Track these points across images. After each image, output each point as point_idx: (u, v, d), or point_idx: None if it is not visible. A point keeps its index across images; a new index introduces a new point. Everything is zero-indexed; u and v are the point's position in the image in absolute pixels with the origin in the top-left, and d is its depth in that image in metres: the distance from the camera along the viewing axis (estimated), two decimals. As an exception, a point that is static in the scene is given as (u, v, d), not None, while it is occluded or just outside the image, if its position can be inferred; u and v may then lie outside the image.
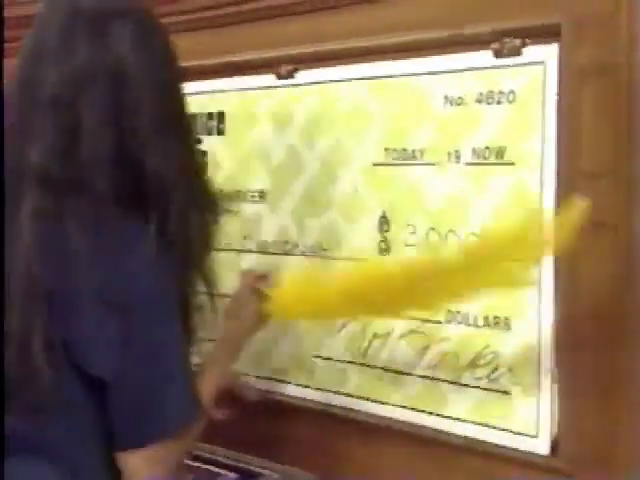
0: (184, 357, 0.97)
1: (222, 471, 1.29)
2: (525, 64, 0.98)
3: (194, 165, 1.02)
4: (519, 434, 0.99)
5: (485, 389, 1.02)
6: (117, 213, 0.91)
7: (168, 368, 0.94)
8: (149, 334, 0.91)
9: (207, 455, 1.28)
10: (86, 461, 0.95)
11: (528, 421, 0.99)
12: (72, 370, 0.90)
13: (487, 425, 1.02)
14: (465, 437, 1.04)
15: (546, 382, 0.97)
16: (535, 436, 0.98)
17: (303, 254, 1.20)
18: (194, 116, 1.32)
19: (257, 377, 1.26)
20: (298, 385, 1.21)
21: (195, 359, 1.03)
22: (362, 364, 1.14)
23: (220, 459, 1.29)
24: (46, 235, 0.90)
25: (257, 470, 1.25)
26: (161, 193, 0.93)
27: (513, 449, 1.00)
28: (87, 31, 0.93)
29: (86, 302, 0.89)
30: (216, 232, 1.02)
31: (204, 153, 1.32)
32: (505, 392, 1.01)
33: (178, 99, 1.00)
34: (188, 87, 1.29)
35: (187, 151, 1.00)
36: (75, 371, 0.91)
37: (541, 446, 0.97)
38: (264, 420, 1.24)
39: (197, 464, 1.26)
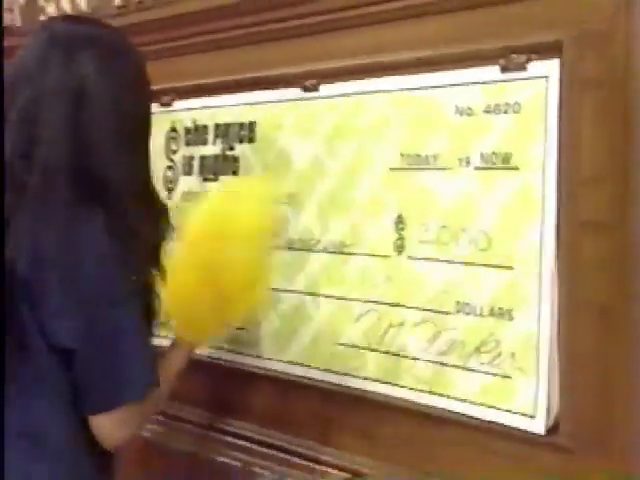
0: (143, 332, 1.02)
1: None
2: (529, 78, 0.98)
3: (144, 175, 1.07)
4: (519, 414, 0.99)
5: (489, 373, 1.02)
6: (71, 212, 0.96)
7: (129, 341, 0.99)
8: (110, 310, 0.96)
9: (257, 437, 1.30)
10: (54, 429, 0.99)
11: (527, 403, 0.98)
12: (42, 342, 0.95)
13: (490, 406, 1.02)
14: (471, 416, 1.04)
15: (544, 367, 0.97)
16: (533, 416, 0.98)
17: (326, 250, 1.21)
18: (228, 125, 1.35)
19: (280, 361, 1.26)
20: (321, 369, 1.21)
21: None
22: (379, 350, 1.14)
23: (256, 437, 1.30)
24: (15, 228, 0.96)
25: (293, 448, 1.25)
26: (111, 198, 0.98)
27: (513, 428, 1.00)
28: (59, 56, 1.00)
29: (53, 286, 0.94)
30: (164, 230, 1.10)
31: (235, 158, 1.34)
32: (507, 376, 1.00)
33: (137, 117, 1.05)
34: (223, 100, 1.34)
35: (138, 163, 1.05)
36: (45, 343, 0.96)
37: (538, 425, 0.97)
38: (291, 400, 1.25)
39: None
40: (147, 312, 1.06)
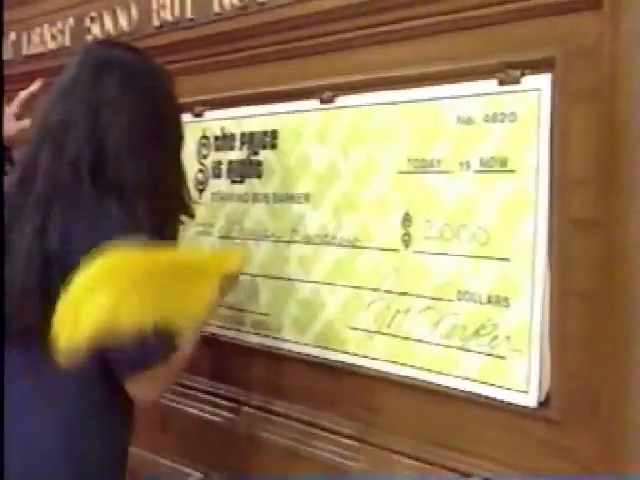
0: None
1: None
2: (524, 91, 0.98)
3: (158, 177, 1.09)
4: (513, 390, 0.99)
5: (487, 354, 1.02)
6: (92, 203, 1.03)
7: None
8: None
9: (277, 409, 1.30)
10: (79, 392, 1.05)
11: (520, 380, 0.98)
12: None
13: (488, 383, 1.02)
14: (470, 392, 1.03)
15: (536, 349, 0.96)
16: (526, 392, 0.98)
17: (340, 245, 1.20)
18: (252, 133, 1.35)
19: (298, 342, 1.26)
20: (335, 350, 1.21)
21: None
22: (387, 334, 1.13)
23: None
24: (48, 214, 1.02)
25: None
26: (124, 194, 1.04)
27: (509, 402, 0.99)
28: (89, 75, 1.08)
29: (78, 258, 0.95)
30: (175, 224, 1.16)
31: (260, 163, 1.34)
32: (503, 357, 1.00)
33: (152, 128, 1.10)
34: (249, 110, 1.34)
35: (152, 165, 1.08)
36: None
37: (530, 400, 0.97)
38: (308, 377, 1.25)
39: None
40: None
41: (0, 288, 1.02)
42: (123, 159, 1.06)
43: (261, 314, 1.32)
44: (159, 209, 1.08)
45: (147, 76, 1.12)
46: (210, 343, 1.38)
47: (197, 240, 1.42)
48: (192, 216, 1.21)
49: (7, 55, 1.85)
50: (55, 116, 1.07)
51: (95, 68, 1.09)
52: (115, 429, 1.10)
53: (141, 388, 1.05)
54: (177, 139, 1.17)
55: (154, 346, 1.00)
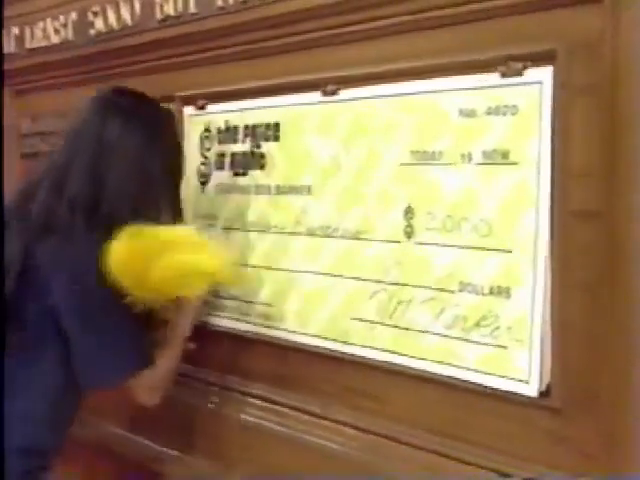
0: (132, 326, 1.18)
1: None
2: (526, 83, 0.98)
3: (154, 211, 1.18)
4: (514, 380, 1.00)
5: (488, 344, 1.02)
6: (82, 236, 1.13)
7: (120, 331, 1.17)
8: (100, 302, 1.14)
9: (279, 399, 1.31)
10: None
11: (522, 370, 0.99)
12: (54, 328, 1.14)
13: (490, 373, 1.02)
14: (472, 382, 1.04)
15: (537, 339, 0.97)
16: (527, 381, 0.98)
17: (342, 237, 1.21)
18: (255, 126, 1.35)
19: (303, 334, 1.27)
20: (338, 341, 1.21)
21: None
22: (389, 325, 1.14)
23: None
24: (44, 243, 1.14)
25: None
26: (114, 231, 1.12)
27: (510, 392, 1.00)
28: (96, 119, 1.20)
29: (64, 282, 1.12)
30: None
31: (262, 155, 1.34)
32: (504, 347, 1.01)
33: (150, 172, 1.19)
34: (252, 103, 1.35)
35: (144, 207, 1.17)
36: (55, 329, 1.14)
37: (531, 389, 0.98)
38: (312, 367, 1.26)
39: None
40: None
41: (0, 289, 1.11)
42: (117, 199, 1.15)
43: (265, 305, 1.33)
44: None
45: (148, 120, 1.22)
46: (214, 334, 1.39)
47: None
48: None
49: (10, 49, 1.85)
50: (61, 158, 1.18)
51: (102, 112, 1.20)
52: (75, 399, 1.24)
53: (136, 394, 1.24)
54: (174, 180, 1.27)
55: (121, 361, 1.18)
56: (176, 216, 1.26)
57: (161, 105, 1.31)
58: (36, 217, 1.14)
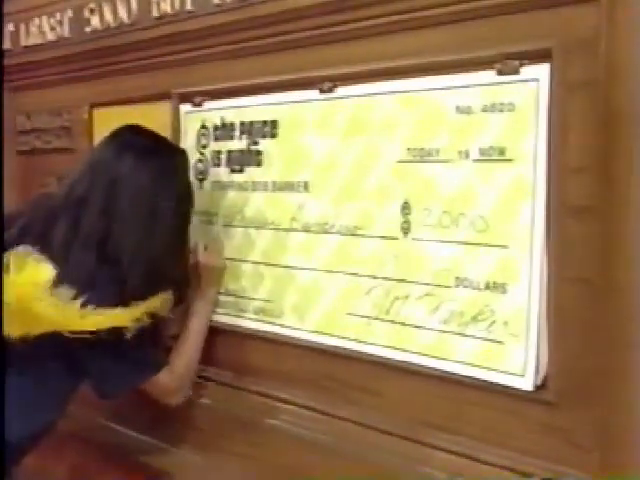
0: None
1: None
2: (522, 81, 0.98)
3: (155, 252, 1.20)
4: (510, 374, 1.00)
5: (484, 339, 1.03)
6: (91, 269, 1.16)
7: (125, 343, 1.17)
8: None
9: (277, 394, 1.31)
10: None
11: (517, 364, 0.99)
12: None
13: (486, 367, 1.03)
14: (468, 376, 1.04)
15: (533, 334, 0.97)
16: (523, 375, 0.99)
17: (339, 233, 1.20)
18: (252, 123, 1.35)
19: (300, 329, 1.26)
20: (335, 336, 1.21)
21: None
22: (386, 320, 1.14)
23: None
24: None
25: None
26: (121, 265, 1.17)
27: (506, 386, 1.00)
28: (110, 155, 1.23)
29: None
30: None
31: (259, 152, 1.34)
32: (500, 342, 1.01)
33: (159, 208, 1.21)
34: (248, 100, 1.34)
35: (151, 241, 1.20)
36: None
37: (527, 383, 0.98)
38: (309, 363, 1.26)
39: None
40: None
41: (0, 292, 1.12)
42: (125, 235, 1.18)
43: (262, 300, 1.33)
44: (149, 282, 1.19)
45: (160, 157, 1.26)
46: (211, 330, 1.39)
47: (201, 229, 1.42)
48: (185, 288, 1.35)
49: (5, 45, 1.83)
50: (77, 191, 1.21)
51: (117, 149, 1.23)
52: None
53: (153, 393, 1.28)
54: (183, 218, 1.29)
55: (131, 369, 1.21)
56: (181, 259, 1.30)
57: (177, 147, 1.36)
58: (57, 251, 1.17)
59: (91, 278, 1.15)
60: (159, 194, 1.22)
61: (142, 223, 1.20)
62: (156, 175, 1.22)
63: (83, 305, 1.12)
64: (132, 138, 1.27)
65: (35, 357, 1.16)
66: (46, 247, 1.17)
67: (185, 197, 1.30)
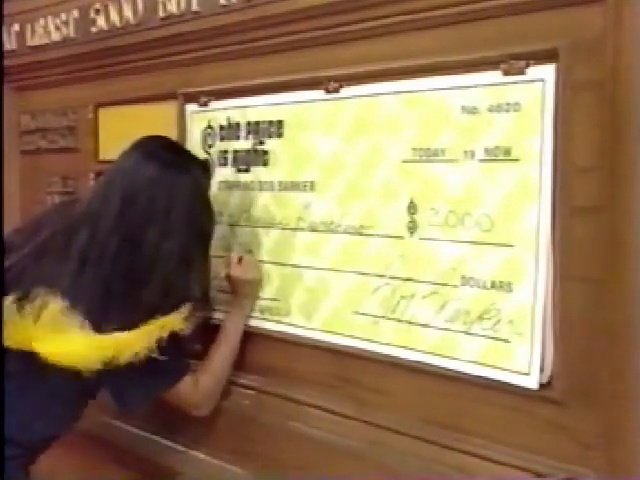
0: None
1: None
2: (528, 81, 0.98)
3: (169, 266, 1.17)
4: (516, 372, 1.01)
5: (490, 338, 1.03)
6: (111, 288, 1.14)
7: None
8: None
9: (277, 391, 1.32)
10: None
11: (523, 362, 1.00)
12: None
13: (491, 366, 1.03)
14: (474, 375, 1.05)
15: (538, 332, 0.98)
16: (528, 374, 0.99)
17: (346, 232, 1.21)
18: (258, 123, 1.36)
19: (306, 328, 1.27)
20: (341, 335, 1.22)
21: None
22: (393, 319, 1.14)
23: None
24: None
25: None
26: (134, 280, 1.14)
27: (511, 384, 1.01)
28: (131, 164, 1.20)
29: None
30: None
31: (265, 152, 1.34)
32: (505, 340, 1.01)
33: (174, 224, 1.18)
34: (254, 100, 1.35)
35: (165, 256, 1.16)
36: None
37: (532, 381, 0.99)
38: (316, 361, 1.27)
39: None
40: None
41: (0, 290, 1.12)
42: (140, 249, 1.15)
43: (269, 300, 1.33)
44: (166, 298, 1.16)
45: (179, 170, 1.21)
46: (218, 329, 1.39)
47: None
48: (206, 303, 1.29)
49: (11, 46, 1.84)
50: (95, 203, 1.19)
51: (137, 159, 1.20)
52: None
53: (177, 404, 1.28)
54: (201, 235, 1.24)
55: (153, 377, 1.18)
56: (200, 275, 1.24)
57: (199, 162, 1.31)
58: (71, 260, 1.16)
59: (106, 299, 1.13)
60: (174, 209, 1.18)
61: (156, 240, 1.16)
62: (172, 192, 1.18)
63: (99, 331, 1.10)
64: (152, 148, 1.23)
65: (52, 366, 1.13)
66: (65, 256, 1.16)
67: (202, 214, 1.25)
